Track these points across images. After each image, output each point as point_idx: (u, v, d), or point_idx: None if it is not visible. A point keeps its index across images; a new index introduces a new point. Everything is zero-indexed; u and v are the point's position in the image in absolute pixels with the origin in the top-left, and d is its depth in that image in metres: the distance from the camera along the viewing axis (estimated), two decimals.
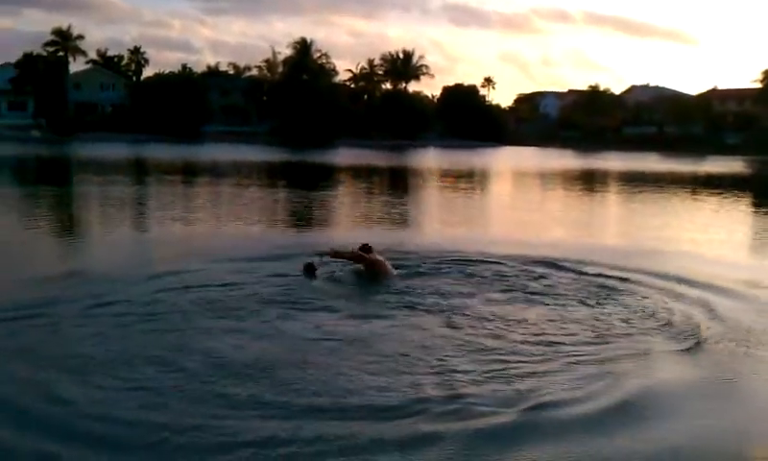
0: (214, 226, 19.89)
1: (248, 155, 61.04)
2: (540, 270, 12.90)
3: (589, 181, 42.99)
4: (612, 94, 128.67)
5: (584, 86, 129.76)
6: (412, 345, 8.54)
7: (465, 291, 11.35)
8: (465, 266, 13.12)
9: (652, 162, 66.82)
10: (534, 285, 11.85)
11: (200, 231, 18.53)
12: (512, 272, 12.75)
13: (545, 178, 44.72)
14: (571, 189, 37.39)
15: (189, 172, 42.46)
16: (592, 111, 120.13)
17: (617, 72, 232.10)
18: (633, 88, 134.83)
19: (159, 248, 15.79)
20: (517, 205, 30.31)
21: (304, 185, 34.83)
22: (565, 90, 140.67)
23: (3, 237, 17.06)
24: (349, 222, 22.13)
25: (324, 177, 42.06)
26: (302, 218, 22.64)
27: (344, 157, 63.39)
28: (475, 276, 12.45)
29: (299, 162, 55.10)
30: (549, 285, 11.86)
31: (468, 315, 9.88)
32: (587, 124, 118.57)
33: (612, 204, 31.43)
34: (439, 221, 23.50)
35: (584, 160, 67.47)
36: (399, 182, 40.69)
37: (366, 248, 12.16)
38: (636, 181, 42.53)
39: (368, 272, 12.00)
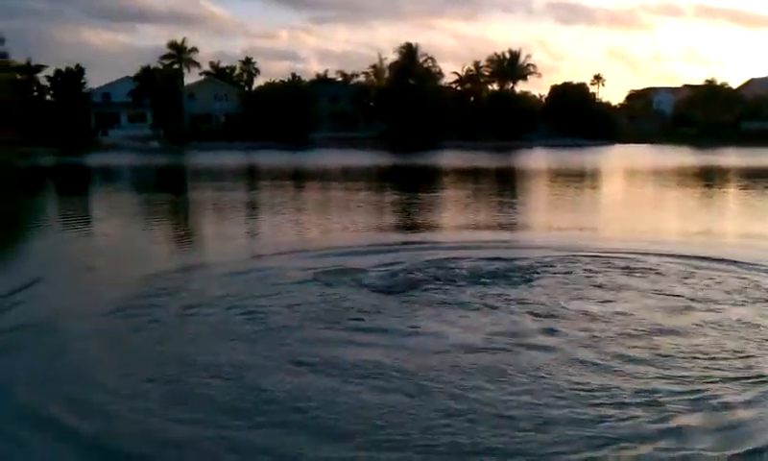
0: (329, 228, 20.14)
1: (356, 159, 61.69)
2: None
3: (715, 178, 41.22)
4: (730, 88, 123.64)
5: (699, 81, 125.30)
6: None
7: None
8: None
9: None
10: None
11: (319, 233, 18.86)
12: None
13: (667, 175, 42.98)
14: (698, 186, 35.91)
15: (300, 177, 43.25)
16: (709, 106, 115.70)
17: (733, 65, 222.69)
18: (751, 82, 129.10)
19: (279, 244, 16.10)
20: (651, 202, 29.17)
21: (413, 188, 34.84)
22: (680, 86, 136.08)
23: (130, 237, 17.86)
24: (463, 223, 22.02)
25: (432, 179, 42.04)
26: (414, 220, 22.64)
27: (450, 159, 63.18)
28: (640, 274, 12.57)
29: (406, 166, 55.27)
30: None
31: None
32: (703, 119, 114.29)
33: (743, 200, 29.98)
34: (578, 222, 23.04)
35: (704, 157, 64.82)
36: (511, 183, 40.20)
37: None
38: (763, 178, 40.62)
39: None
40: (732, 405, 6.83)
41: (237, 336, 8.95)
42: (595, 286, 11.72)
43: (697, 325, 9.39)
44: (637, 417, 6.55)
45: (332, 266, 12.92)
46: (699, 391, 7.14)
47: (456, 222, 22.34)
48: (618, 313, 9.95)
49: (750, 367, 7.80)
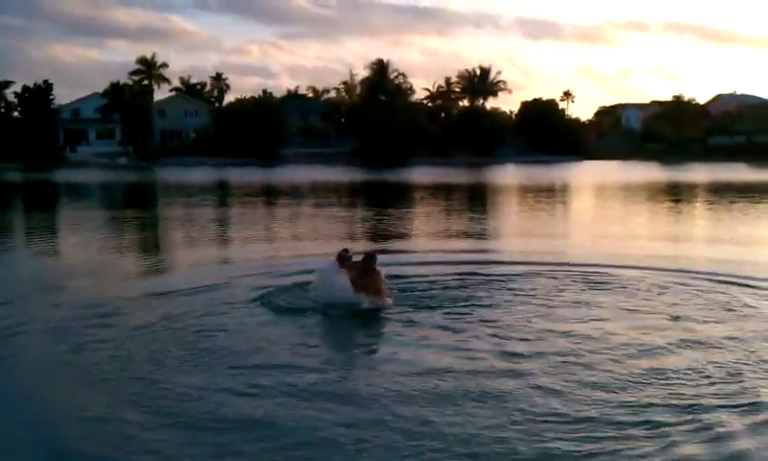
0: (294, 244, 19.89)
1: (326, 175, 61.55)
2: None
3: (683, 193, 41.46)
4: (697, 104, 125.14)
5: (667, 97, 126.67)
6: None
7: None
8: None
9: (743, 172, 64.41)
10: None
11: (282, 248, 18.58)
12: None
13: (636, 191, 43.11)
14: (667, 201, 36.08)
15: (270, 193, 42.91)
16: (677, 122, 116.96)
17: (701, 81, 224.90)
18: (718, 97, 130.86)
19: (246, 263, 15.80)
20: (622, 217, 29.10)
21: (383, 204, 34.67)
22: (648, 102, 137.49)
23: (87, 256, 17.46)
24: (437, 236, 21.87)
25: (403, 195, 41.94)
26: (383, 234, 22.43)
27: (421, 175, 63.20)
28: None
29: (377, 182, 55.17)
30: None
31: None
32: (671, 135, 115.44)
33: (712, 214, 30.13)
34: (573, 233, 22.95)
35: (671, 173, 65.34)
36: (484, 200, 40.19)
37: (370, 258, 11.67)
38: (730, 192, 40.97)
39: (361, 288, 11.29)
40: (733, 434, 6.61)
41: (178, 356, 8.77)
42: (571, 304, 11.58)
43: (680, 342, 9.32)
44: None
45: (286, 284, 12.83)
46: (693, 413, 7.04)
47: (422, 237, 22.18)
48: (598, 332, 9.81)
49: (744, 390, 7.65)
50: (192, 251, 19.36)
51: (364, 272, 11.35)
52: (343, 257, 11.42)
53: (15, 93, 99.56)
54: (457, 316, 10.65)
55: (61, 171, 69.96)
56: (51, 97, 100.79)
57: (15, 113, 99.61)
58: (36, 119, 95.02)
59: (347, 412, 7.00)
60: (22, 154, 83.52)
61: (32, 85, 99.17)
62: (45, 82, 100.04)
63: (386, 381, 7.87)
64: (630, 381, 7.82)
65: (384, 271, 11.68)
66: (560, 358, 8.62)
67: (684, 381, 7.83)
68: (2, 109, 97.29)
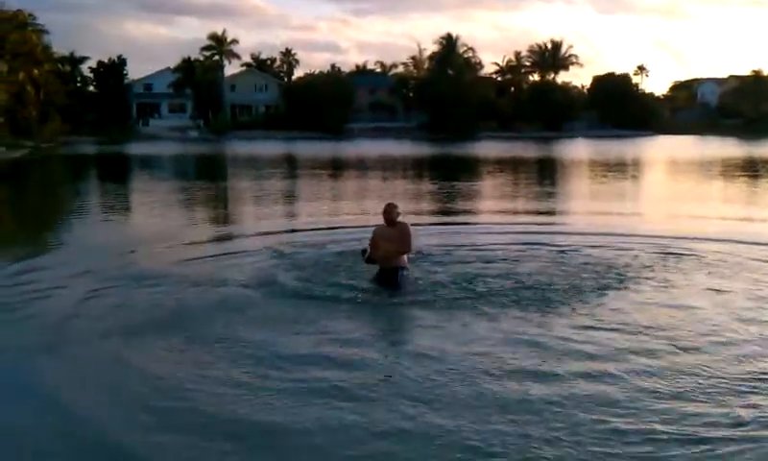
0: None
1: (393, 149, 61.36)
2: None
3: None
4: None
5: (745, 72, 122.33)
6: None
7: None
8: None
9: None
10: None
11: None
12: None
13: (726, 167, 41.53)
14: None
15: (337, 166, 43.03)
16: (756, 97, 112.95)
17: None
18: None
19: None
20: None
21: (449, 177, 34.34)
22: (725, 76, 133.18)
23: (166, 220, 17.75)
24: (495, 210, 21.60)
25: (468, 169, 41.51)
26: (443, 208, 22.24)
27: (490, 149, 62.49)
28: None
29: (443, 156, 54.80)
30: None
31: None
32: (749, 111, 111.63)
33: None
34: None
35: (752, 148, 62.98)
36: (556, 174, 39.49)
37: (390, 209, 10.37)
38: None
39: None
40: None
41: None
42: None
43: None
44: None
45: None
46: None
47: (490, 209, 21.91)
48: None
49: None
50: (250, 220, 19.53)
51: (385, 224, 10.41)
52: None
53: (90, 68, 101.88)
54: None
55: (135, 144, 71.48)
56: (124, 72, 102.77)
57: (91, 88, 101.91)
58: (110, 93, 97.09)
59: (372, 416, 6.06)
60: (97, 127, 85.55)
61: (106, 61, 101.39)
62: (119, 57, 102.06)
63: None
64: None
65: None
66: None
67: None
68: (78, 84, 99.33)
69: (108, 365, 7.38)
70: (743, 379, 6.70)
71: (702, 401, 6.21)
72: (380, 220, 10.52)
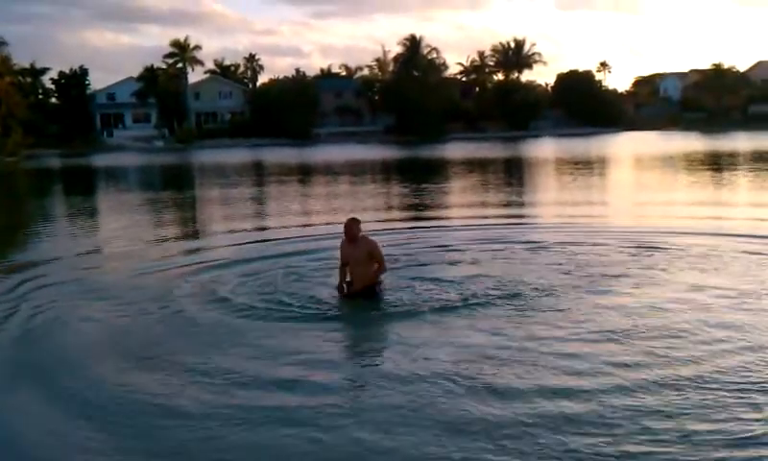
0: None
1: (359, 153, 61.25)
2: None
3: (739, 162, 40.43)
4: (737, 71, 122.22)
5: (706, 65, 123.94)
6: None
7: None
8: None
9: None
10: None
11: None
12: None
13: (689, 161, 41.96)
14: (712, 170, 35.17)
15: (305, 172, 42.85)
16: (717, 90, 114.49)
17: (741, 48, 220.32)
18: (759, 64, 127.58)
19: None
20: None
21: (416, 179, 34.25)
22: (687, 70, 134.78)
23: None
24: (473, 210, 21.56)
25: (437, 171, 41.48)
26: (417, 207, 22.16)
27: (457, 150, 62.63)
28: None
29: (412, 158, 54.80)
30: None
31: None
32: (711, 104, 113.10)
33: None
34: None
35: (713, 142, 63.70)
36: (522, 173, 39.60)
37: (351, 225, 9.90)
38: None
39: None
40: None
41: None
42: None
43: None
44: None
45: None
46: None
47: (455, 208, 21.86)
48: None
49: None
50: (219, 228, 19.29)
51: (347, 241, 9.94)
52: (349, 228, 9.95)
53: (52, 79, 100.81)
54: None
55: (99, 155, 70.68)
56: (87, 82, 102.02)
57: (53, 99, 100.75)
58: (72, 105, 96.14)
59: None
60: (61, 139, 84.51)
61: (68, 71, 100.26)
62: (80, 67, 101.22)
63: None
64: None
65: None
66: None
67: None
68: (40, 96, 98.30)
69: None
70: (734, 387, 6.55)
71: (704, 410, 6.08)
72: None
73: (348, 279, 9.90)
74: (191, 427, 6.02)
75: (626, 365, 7.07)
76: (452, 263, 12.29)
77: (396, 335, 8.47)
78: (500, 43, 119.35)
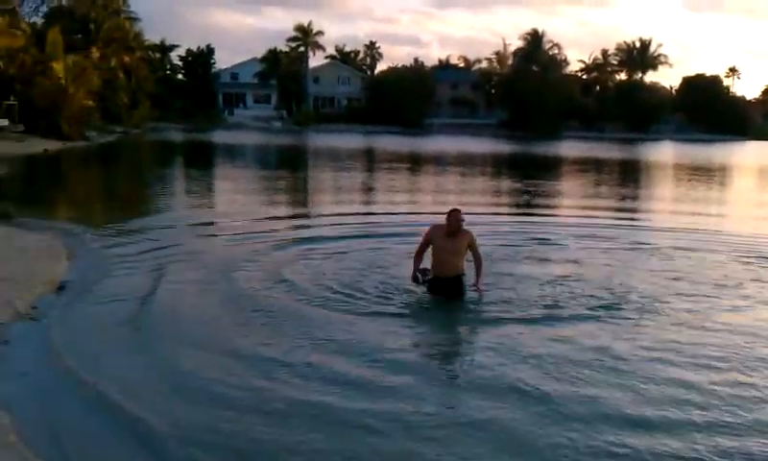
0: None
1: (472, 146, 60.87)
2: None
3: None
4: None
5: None
6: None
7: None
8: None
9: None
10: None
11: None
12: None
13: None
14: None
15: (416, 161, 42.99)
16: None
17: None
18: None
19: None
20: None
21: (527, 175, 33.85)
22: None
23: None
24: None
25: (548, 168, 40.87)
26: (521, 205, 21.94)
27: (572, 149, 61.41)
28: None
29: (523, 154, 54.14)
30: None
31: None
32: None
33: None
34: None
35: None
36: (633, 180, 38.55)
37: (457, 216, 9.29)
38: None
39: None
40: None
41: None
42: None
43: None
44: None
45: None
46: None
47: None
48: None
49: None
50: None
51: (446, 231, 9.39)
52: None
53: (179, 57, 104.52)
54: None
55: (219, 132, 72.88)
56: (212, 61, 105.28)
57: (179, 76, 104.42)
58: (197, 82, 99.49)
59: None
60: (184, 114, 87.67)
61: (195, 49, 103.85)
62: (207, 46, 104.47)
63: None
64: None
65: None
66: None
67: None
68: (167, 72, 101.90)
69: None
70: None
71: None
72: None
73: (422, 266, 9.46)
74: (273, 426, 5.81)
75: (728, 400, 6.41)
76: (551, 260, 12.02)
77: (482, 341, 7.99)
78: (625, 42, 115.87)
